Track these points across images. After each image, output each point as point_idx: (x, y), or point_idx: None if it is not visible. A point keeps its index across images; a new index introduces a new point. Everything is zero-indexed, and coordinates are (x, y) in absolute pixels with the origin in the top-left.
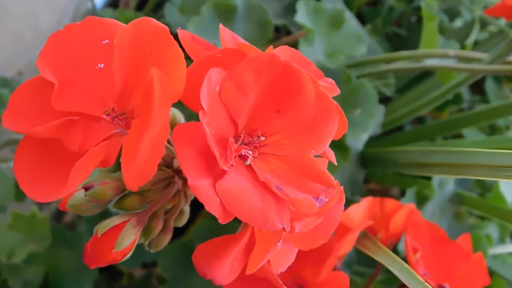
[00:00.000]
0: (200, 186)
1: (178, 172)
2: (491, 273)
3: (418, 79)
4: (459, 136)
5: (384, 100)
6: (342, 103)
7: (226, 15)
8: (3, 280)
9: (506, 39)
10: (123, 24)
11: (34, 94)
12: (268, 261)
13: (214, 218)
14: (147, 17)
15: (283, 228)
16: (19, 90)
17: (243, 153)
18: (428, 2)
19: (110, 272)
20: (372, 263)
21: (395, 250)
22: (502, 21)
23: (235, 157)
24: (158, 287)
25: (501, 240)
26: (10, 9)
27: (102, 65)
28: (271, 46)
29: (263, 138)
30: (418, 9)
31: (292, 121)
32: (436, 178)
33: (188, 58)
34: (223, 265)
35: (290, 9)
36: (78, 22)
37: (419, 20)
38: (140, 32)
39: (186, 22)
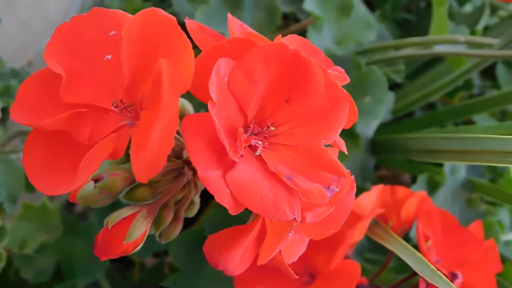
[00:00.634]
0: (210, 177)
1: (188, 162)
2: (503, 260)
3: (428, 65)
4: (470, 122)
5: (394, 86)
6: (352, 90)
7: (234, 3)
8: (15, 270)
9: None
10: (130, 15)
11: (42, 86)
12: (280, 251)
13: (225, 207)
14: (154, 8)
15: (294, 218)
16: (27, 83)
17: (253, 144)
18: None
19: (122, 261)
20: (383, 251)
21: (406, 237)
22: None
23: (245, 147)
24: (170, 276)
25: None
26: None
27: (109, 57)
28: (280, 35)
29: (273, 128)
30: None
31: (302, 111)
32: (447, 165)
33: (196, 48)
34: (234, 255)
35: None
36: (84, 14)
37: (429, 5)
38: (148, 23)
39: (194, 10)
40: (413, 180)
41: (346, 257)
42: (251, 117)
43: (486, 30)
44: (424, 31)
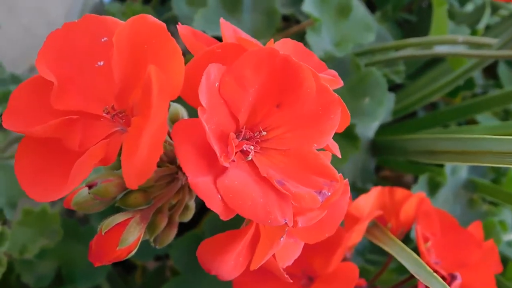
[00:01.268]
0: (200, 183)
1: (182, 168)
2: (506, 260)
3: (429, 64)
4: (473, 121)
5: (395, 86)
6: (351, 91)
7: (233, 5)
8: (17, 275)
9: None
10: (121, 21)
11: (33, 93)
12: (274, 255)
13: None
14: (144, 14)
15: (286, 223)
16: (19, 90)
17: (244, 149)
18: None
19: (123, 265)
20: (384, 251)
21: (407, 238)
22: None
23: (236, 152)
24: (171, 279)
25: None
26: (20, 3)
27: (101, 63)
28: (272, 40)
29: (264, 133)
30: None
31: (293, 115)
32: (449, 165)
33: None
34: (227, 260)
35: None
36: (76, 21)
37: (430, 5)
38: (138, 29)
39: (194, 13)
40: (416, 180)
41: (344, 259)
42: (243, 122)
43: (487, 29)
44: (425, 31)
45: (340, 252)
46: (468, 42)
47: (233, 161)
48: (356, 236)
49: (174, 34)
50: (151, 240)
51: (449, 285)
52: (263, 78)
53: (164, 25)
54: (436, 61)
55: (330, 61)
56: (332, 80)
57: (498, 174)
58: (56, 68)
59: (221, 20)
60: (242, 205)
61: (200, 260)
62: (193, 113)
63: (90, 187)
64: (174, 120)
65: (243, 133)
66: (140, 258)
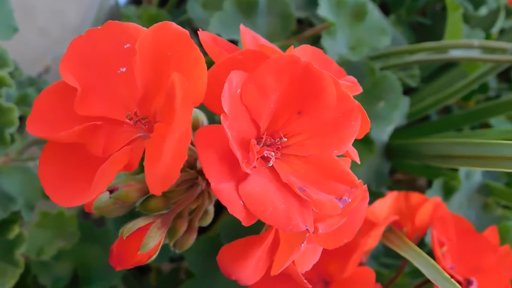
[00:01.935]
0: (223, 189)
1: (202, 173)
2: None
3: (443, 68)
4: (487, 125)
5: (409, 90)
6: (366, 95)
7: (249, 9)
8: (33, 276)
9: None
10: (144, 28)
11: (57, 99)
12: (293, 261)
13: None
14: (167, 22)
15: (307, 229)
16: (43, 96)
17: (265, 155)
18: None
19: (139, 267)
20: (399, 255)
21: (422, 242)
22: None
23: (257, 159)
24: (185, 282)
25: None
26: (37, 6)
27: (124, 69)
28: (292, 47)
29: (285, 139)
30: None
31: (314, 122)
32: (463, 169)
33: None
34: (247, 265)
35: (312, 1)
36: (99, 27)
37: (444, 8)
38: (161, 36)
39: (209, 17)
40: (429, 184)
41: (360, 264)
42: (264, 129)
43: (501, 33)
44: (439, 35)
45: (356, 257)
46: (483, 47)
47: (255, 167)
48: (372, 241)
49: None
50: (171, 244)
51: None
52: (285, 86)
53: (187, 32)
54: (450, 65)
55: (345, 65)
56: (352, 86)
57: (511, 179)
58: (80, 74)
59: (241, 26)
60: (264, 211)
61: (221, 265)
62: (212, 117)
63: (111, 191)
64: (195, 126)
65: (264, 139)
66: (155, 260)
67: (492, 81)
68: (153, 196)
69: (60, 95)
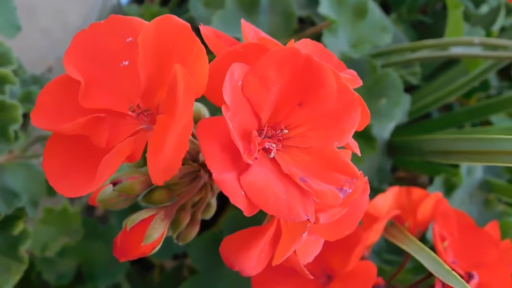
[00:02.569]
0: (225, 180)
1: (204, 165)
2: None
3: (444, 66)
4: (488, 123)
5: (410, 88)
6: (367, 93)
7: (250, 7)
8: (37, 273)
9: None
10: (146, 22)
11: (61, 92)
12: (295, 251)
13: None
14: (169, 15)
15: (308, 219)
16: (46, 89)
17: (267, 146)
18: None
19: (142, 264)
20: (401, 251)
21: (423, 238)
22: None
23: (259, 150)
24: (189, 278)
25: None
26: (39, 6)
27: (126, 63)
28: (293, 40)
29: (286, 131)
30: None
31: (314, 114)
32: (464, 166)
33: (210, 53)
34: (250, 256)
35: (314, 0)
36: (102, 21)
37: (445, 7)
38: (163, 29)
39: (211, 15)
40: (431, 181)
41: (362, 258)
42: (265, 121)
43: (502, 31)
44: (440, 33)
45: (358, 251)
46: (484, 44)
47: (256, 158)
48: (374, 235)
49: None
50: (174, 236)
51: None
52: (286, 78)
53: (189, 25)
54: (451, 63)
55: (347, 62)
56: (351, 79)
57: None
58: (83, 67)
59: (243, 21)
60: (266, 201)
61: (223, 255)
62: (214, 112)
63: (114, 184)
64: (196, 119)
65: (265, 131)
66: (159, 257)
67: (494, 79)
68: (156, 188)
69: (64, 88)
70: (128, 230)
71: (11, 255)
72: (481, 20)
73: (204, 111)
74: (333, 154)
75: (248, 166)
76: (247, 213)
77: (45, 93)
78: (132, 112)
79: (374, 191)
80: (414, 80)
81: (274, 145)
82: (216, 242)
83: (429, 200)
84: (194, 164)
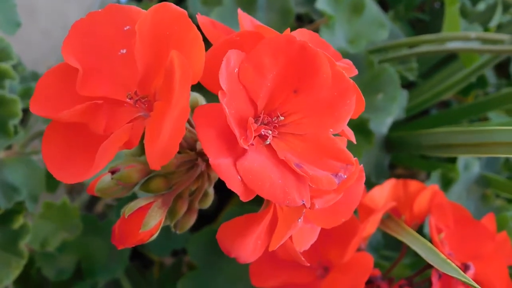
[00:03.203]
0: (222, 164)
1: (201, 154)
2: None
3: (441, 63)
4: (485, 120)
5: (408, 85)
6: (365, 88)
7: (248, 4)
8: (37, 268)
9: None
10: (144, 10)
11: (59, 80)
12: (291, 238)
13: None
14: (166, 2)
15: (303, 204)
16: (46, 77)
17: (262, 133)
18: None
19: (141, 260)
20: (399, 247)
21: (420, 232)
22: None
23: (255, 137)
24: (187, 274)
25: None
26: (39, 8)
27: (124, 51)
28: (289, 29)
29: (282, 118)
30: None
31: (310, 101)
32: (461, 161)
33: (207, 43)
34: (247, 243)
35: None
36: (100, 10)
37: (443, 5)
38: (160, 16)
39: (209, 13)
40: (429, 178)
41: (359, 250)
42: (261, 108)
43: (499, 28)
44: (438, 31)
45: (355, 242)
46: (480, 38)
47: (252, 145)
48: (370, 227)
49: None
50: (172, 225)
51: None
52: (281, 65)
53: (185, 12)
54: (448, 60)
55: (344, 58)
56: (347, 68)
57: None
58: (81, 55)
59: (239, 10)
60: (261, 186)
61: (220, 242)
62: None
63: (113, 172)
64: (193, 107)
65: (261, 118)
66: (158, 254)
67: (491, 77)
68: (154, 176)
69: (62, 76)
70: (126, 217)
71: (11, 250)
72: (478, 17)
73: (202, 101)
74: (328, 141)
75: (244, 151)
76: (243, 198)
77: (44, 81)
78: (130, 99)
79: (372, 186)
80: (411, 76)
81: (270, 132)
82: (215, 238)
83: (426, 192)
84: (191, 153)
